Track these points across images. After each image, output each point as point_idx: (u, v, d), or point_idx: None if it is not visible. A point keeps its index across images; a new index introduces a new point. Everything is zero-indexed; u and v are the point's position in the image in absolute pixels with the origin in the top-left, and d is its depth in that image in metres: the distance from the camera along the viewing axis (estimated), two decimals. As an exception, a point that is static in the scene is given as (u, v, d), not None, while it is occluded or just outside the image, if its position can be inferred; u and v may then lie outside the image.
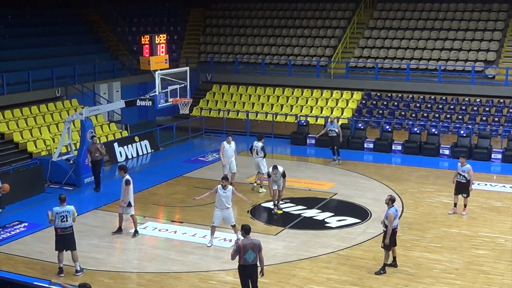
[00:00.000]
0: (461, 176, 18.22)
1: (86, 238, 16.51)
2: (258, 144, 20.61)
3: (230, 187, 15.81)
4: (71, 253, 14.24)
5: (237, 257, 11.97)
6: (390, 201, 14.19)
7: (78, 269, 14.28)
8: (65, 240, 14.13)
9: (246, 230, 12.04)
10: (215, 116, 31.04)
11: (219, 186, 15.68)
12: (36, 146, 23.67)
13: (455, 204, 18.47)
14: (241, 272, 12.08)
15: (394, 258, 14.55)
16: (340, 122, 28.06)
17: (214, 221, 15.87)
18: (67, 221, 14.02)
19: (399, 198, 19.69)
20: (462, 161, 18.26)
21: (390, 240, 14.10)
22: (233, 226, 15.87)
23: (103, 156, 21.51)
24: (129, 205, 16.43)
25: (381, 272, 14.20)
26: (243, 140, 27.27)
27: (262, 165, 20.39)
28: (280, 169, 18.26)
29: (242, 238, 12.17)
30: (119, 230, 16.82)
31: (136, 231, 16.68)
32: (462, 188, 18.26)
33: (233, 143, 20.59)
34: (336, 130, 23.88)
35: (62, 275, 14.15)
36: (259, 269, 12.21)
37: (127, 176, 16.48)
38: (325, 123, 25.22)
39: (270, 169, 18.36)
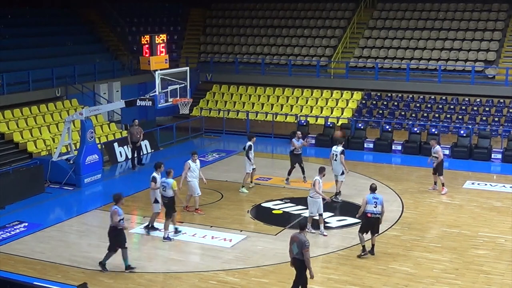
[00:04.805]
0: (434, 158, 20.03)
1: (86, 238, 16.54)
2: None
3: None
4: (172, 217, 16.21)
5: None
6: (370, 189, 15.14)
7: (171, 233, 16.20)
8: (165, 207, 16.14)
9: (300, 225, 12.63)
10: (215, 116, 31.03)
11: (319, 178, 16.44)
12: (36, 146, 23.65)
13: (435, 183, 20.38)
14: (291, 262, 12.71)
15: (373, 246, 15.13)
16: (340, 122, 28.10)
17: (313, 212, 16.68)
18: (165, 191, 16.03)
19: (399, 198, 19.71)
20: (432, 144, 20.30)
21: (361, 222, 15.21)
22: (320, 215, 16.59)
23: (140, 138, 23.81)
24: (156, 201, 16.71)
25: (362, 254, 14.96)
26: (243, 140, 27.20)
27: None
28: (339, 148, 19.25)
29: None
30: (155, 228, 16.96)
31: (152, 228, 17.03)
32: (437, 167, 19.98)
33: (198, 161, 18.41)
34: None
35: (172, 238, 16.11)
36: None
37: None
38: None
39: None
